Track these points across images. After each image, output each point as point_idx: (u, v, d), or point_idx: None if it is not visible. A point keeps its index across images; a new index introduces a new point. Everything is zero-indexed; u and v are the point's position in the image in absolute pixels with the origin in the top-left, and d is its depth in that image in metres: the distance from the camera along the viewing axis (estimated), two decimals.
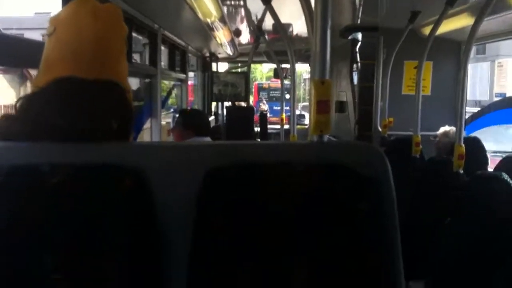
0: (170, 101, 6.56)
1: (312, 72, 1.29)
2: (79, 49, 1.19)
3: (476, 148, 3.26)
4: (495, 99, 5.06)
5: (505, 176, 2.47)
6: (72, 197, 1.07)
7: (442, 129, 3.88)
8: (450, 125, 3.80)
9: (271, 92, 18.40)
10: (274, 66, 8.91)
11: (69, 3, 1.28)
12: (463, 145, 2.89)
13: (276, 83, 17.90)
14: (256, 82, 20.25)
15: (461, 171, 2.88)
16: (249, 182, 1.12)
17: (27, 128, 1.16)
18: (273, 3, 3.38)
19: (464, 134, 3.09)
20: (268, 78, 22.42)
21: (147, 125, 4.37)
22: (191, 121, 3.33)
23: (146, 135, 4.35)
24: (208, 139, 3.25)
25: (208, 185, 1.10)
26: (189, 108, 5.83)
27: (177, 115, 5.33)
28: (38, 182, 1.07)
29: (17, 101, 1.21)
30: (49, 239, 1.05)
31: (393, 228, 1.14)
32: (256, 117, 6.49)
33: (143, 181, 1.10)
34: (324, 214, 1.11)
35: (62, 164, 1.09)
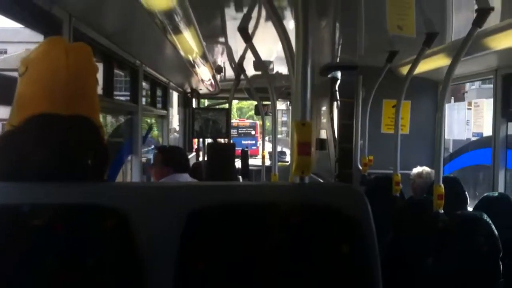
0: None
1: (293, 113, 1.30)
2: (52, 86, 1.20)
3: (455, 188, 3.28)
4: (472, 138, 5.17)
5: (485, 216, 2.49)
6: (53, 238, 1.05)
7: (415, 170, 3.92)
8: (429, 163, 3.85)
9: (239, 129, 21.12)
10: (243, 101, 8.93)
11: (40, 43, 1.29)
12: (442, 186, 2.90)
13: (244, 122, 21.82)
14: None
15: (441, 211, 2.89)
16: (232, 223, 1.11)
17: (2, 167, 1.16)
18: (254, 41, 3.42)
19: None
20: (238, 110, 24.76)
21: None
22: (170, 157, 3.32)
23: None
24: (186, 175, 3.23)
25: (190, 225, 1.09)
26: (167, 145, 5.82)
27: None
28: (17, 223, 1.05)
29: None
30: (29, 280, 1.03)
31: (375, 267, 1.14)
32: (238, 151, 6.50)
33: (125, 222, 1.08)
34: (306, 255, 1.11)
35: (43, 204, 1.08)
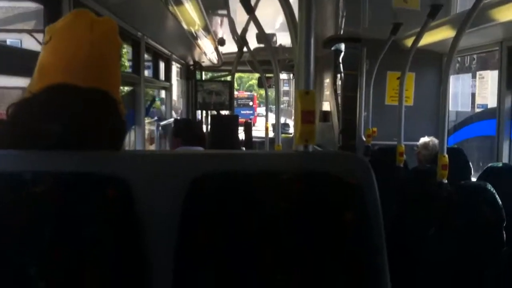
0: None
1: (296, 83, 1.29)
2: (74, 58, 1.20)
3: (459, 158, 3.29)
4: (477, 110, 5.15)
5: (489, 185, 2.50)
6: (55, 206, 1.06)
7: (422, 140, 3.93)
8: (434, 134, 3.84)
9: (238, 100, 21.39)
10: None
11: (67, 14, 1.30)
12: (446, 156, 2.91)
13: (243, 94, 23.04)
14: None
15: (445, 181, 2.90)
16: (234, 192, 1.12)
17: (15, 133, 1.16)
18: (257, 13, 3.39)
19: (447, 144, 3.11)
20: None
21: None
22: (178, 129, 3.37)
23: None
24: (199, 148, 3.25)
25: (192, 194, 1.10)
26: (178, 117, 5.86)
27: (160, 123, 5.33)
28: (20, 190, 1.05)
29: (9, 107, 1.21)
30: (31, 248, 1.03)
31: (378, 236, 1.15)
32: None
33: (127, 190, 1.09)
34: (310, 223, 1.11)
35: (44, 172, 1.08)
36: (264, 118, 5.99)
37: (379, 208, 1.14)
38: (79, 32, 1.23)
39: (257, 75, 8.74)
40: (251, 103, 23.33)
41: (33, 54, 1.29)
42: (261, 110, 22.33)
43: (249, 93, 25.15)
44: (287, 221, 1.10)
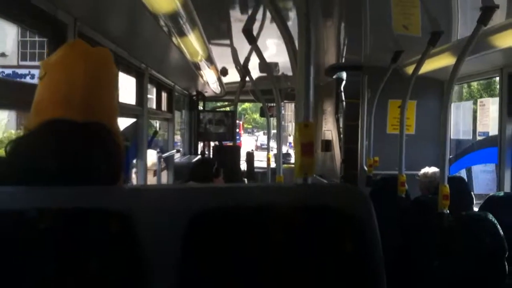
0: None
1: (296, 114, 1.30)
2: (69, 92, 1.19)
3: (460, 187, 3.27)
4: (478, 138, 5.15)
5: (490, 216, 2.48)
6: (56, 242, 1.05)
7: (423, 170, 3.92)
8: (436, 163, 3.83)
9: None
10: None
11: (60, 47, 1.29)
12: (447, 186, 2.88)
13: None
14: None
15: (446, 211, 2.88)
16: (234, 225, 1.11)
17: (15, 172, 1.15)
18: (259, 43, 3.42)
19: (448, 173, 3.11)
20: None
21: None
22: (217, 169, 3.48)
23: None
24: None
25: (193, 228, 1.09)
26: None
27: (162, 155, 5.32)
28: (23, 228, 1.05)
29: (7, 145, 1.20)
30: (34, 284, 1.02)
31: (379, 268, 1.13)
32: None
33: (129, 225, 1.08)
34: (309, 256, 1.10)
35: (48, 209, 1.08)
36: (245, 138, 5.99)
37: (379, 240, 1.13)
38: (73, 64, 1.21)
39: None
40: (237, 130, 26.84)
41: (33, 88, 1.30)
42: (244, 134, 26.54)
43: (237, 121, 28.32)
44: (287, 255, 1.09)
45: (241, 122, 28.69)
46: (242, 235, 1.10)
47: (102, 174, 1.19)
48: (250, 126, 43.64)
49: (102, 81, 1.25)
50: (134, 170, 4.44)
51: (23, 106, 1.49)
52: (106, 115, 1.24)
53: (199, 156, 6.90)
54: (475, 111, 5.28)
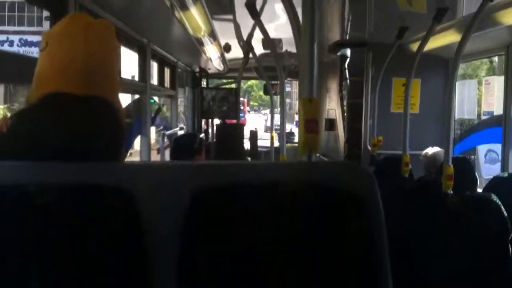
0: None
1: (300, 90, 1.28)
2: (69, 64, 1.18)
3: (465, 168, 3.25)
4: (483, 117, 5.12)
5: (494, 197, 2.46)
6: (58, 218, 1.06)
7: (425, 151, 3.91)
8: (440, 142, 3.81)
9: None
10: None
11: (62, 19, 1.28)
12: (452, 166, 2.86)
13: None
14: None
15: (450, 192, 2.86)
16: (237, 202, 1.11)
17: (17, 146, 1.15)
18: (263, 18, 3.38)
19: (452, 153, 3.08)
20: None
21: None
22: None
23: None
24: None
25: (195, 205, 1.09)
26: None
27: (166, 133, 5.30)
28: (24, 202, 1.06)
29: (9, 118, 1.21)
30: (35, 260, 1.03)
31: (382, 247, 1.13)
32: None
33: (130, 201, 1.08)
34: (312, 234, 1.10)
35: (48, 184, 1.08)
36: (250, 116, 5.98)
37: (382, 219, 1.13)
38: (73, 36, 1.20)
39: None
40: (242, 108, 28.01)
41: (33, 61, 1.28)
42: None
43: (241, 99, 29.48)
44: (290, 232, 1.08)
45: (245, 100, 29.19)
46: (244, 212, 1.09)
47: (103, 147, 1.18)
48: (256, 104, 43.63)
49: (103, 53, 1.24)
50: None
51: (23, 79, 1.47)
52: (108, 89, 1.24)
53: (181, 132, 6.87)
54: (480, 91, 5.24)
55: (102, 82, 1.22)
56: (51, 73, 1.20)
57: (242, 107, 29.32)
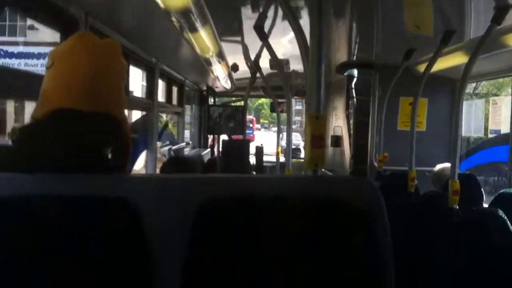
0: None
1: (307, 107, 1.31)
2: (75, 82, 1.21)
3: (471, 184, 3.26)
4: (490, 136, 5.15)
5: (501, 212, 2.47)
6: (62, 229, 1.06)
7: (436, 167, 3.91)
8: (446, 160, 3.81)
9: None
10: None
11: (68, 37, 1.31)
12: (458, 181, 2.88)
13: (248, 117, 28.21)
14: None
15: (456, 207, 2.87)
16: (242, 216, 1.12)
17: (21, 160, 1.16)
18: (270, 40, 3.42)
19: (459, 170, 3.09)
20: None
21: None
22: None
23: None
24: None
25: (201, 218, 1.10)
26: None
27: (172, 148, 5.33)
28: (28, 214, 1.06)
29: (12, 131, 1.22)
30: (39, 271, 1.04)
31: (388, 262, 1.14)
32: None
33: (136, 214, 1.09)
34: (318, 248, 1.11)
35: (53, 196, 1.09)
36: (258, 132, 5.99)
37: (388, 233, 1.14)
38: (79, 55, 1.23)
39: None
40: (250, 125, 28.99)
41: (39, 78, 1.31)
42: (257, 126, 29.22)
43: (249, 117, 32.45)
44: (295, 245, 1.09)
45: (254, 118, 30.26)
46: (249, 225, 1.10)
47: (107, 162, 1.20)
48: (266, 122, 43.77)
49: (108, 72, 1.26)
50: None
51: (30, 95, 1.50)
52: (113, 105, 1.26)
53: (187, 148, 6.84)
54: (487, 110, 5.25)
55: (107, 99, 1.25)
56: (55, 90, 1.22)
57: (251, 124, 28.95)
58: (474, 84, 5.70)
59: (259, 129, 31.39)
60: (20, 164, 1.16)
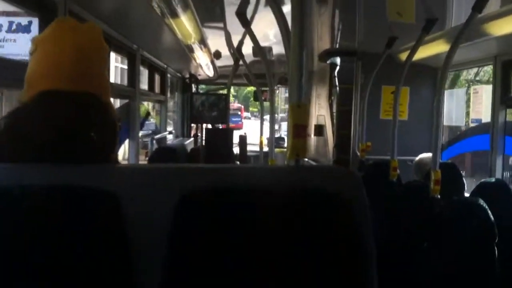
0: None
1: (289, 96, 1.29)
2: (60, 64, 1.22)
3: (452, 173, 3.28)
4: (471, 125, 5.19)
5: (481, 201, 2.49)
6: (42, 220, 1.05)
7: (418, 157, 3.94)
8: (428, 149, 3.84)
9: (231, 111, 27.62)
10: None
11: (49, 23, 1.31)
12: (439, 171, 2.90)
13: (233, 105, 27.49)
14: None
15: (438, 196, 2.89)
16: (225, 206, 1.11)
17: (11, 145, 1.16)
18: (253, 27, 3.39)
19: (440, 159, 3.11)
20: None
21: None
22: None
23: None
24: None
25: (182, 208, 1.09)
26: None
27: (155, 137, 5.30)
28: (7, 205, 1.05)
29: (1, 118, 1.23)
30: (19, 262, 1.03)
31: (369, 251, 1.14)
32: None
33: (117, 204, 1.08)
34: (300, 238, 1.10)
35: (33, 186, 1.08)
36: (248, 121, 5.98)
37: (369, 223, 1.14)
38: (63, 37, 1.25)
39: None
40: (239, 113, 29.58)
41: (21, 65, 1.29)
42: (246, 114, 31.08)
43: (238, 105, 32.15)
44: (277, 236, 1.09)
45: (242, 106, 31.30)
46: (232, 215, 1.09)
47: (94, 142, 1.20)
48: (256, 110, 43.73)
49: (92, 53, 1.27)
50: None
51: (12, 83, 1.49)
52: (98, 88, 1.26)
53: (169, 136, 6.81)
54: (468, 99, 5.30)
55: (92, 81, 1.25)
56: (41, 73, 1.23)
57: (239, 112, 29.45)
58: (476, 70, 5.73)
59: (249, 118, 31.80)
60: (9, 149, 1.16)
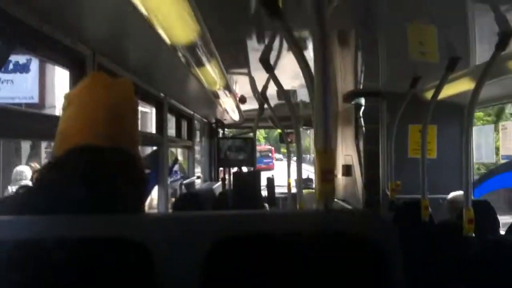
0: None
1: (315, 141, 1.30)
2: (95, 119, 1.24)
3: (486, 212, 3.21)
4: (502, 161, 5.11)
5: None
6: (74, 272, 1.06)
7: (450, 195, 3.87)
8: (458, 186, 3.77)
9: (261, 152, 27.25)
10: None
11: (81, 79, 1.37)
12: (472, 209, 2.84)
13: (263, 147, 30.96)
14: None
15: (472, 235, 2.82)
16: (255, 254, 1.10)
17: (45, 200, 1.17)
18: (277, 71, 3.44)
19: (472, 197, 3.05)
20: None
21: None
22: None
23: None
24: None
25: (213, 257, 1.09)
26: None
27: (183, 182, 5.33)
28: (43, 256, 1.06)
29: (34, 172, 1.25)
30: None
31: None
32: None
33: (147, 255, 1.08)
34: (332, 284, 1.09)
35: (65, 237, 1.08)
36: (279, 162, 5.96)
37: (401, 267, 1.12)
38: (96, 92, 1.28)
39: None
40: (270, 154, 30.98)
41: (51, 118, 1.33)
42: (278, 156, 32.27)
43: (268, 147, 33.20)
44: (309, 282, 1.07)
45: (273, 148, 32.54)
46: (263, 263, 1.08)
47: (128, 199, 1.21)
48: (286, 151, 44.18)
49: (124, 110, 1.30)
50: None
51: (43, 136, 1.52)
52: (130, 142, 1.29)
53: (198, 181, 6.83)
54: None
55: (125, 136, 1.28)
56: (75, 127, 1.25)
57: (270, 154, 30.98)
58: None
59: (281, 159, 31.54)
60: (42, 204, 1.16)
